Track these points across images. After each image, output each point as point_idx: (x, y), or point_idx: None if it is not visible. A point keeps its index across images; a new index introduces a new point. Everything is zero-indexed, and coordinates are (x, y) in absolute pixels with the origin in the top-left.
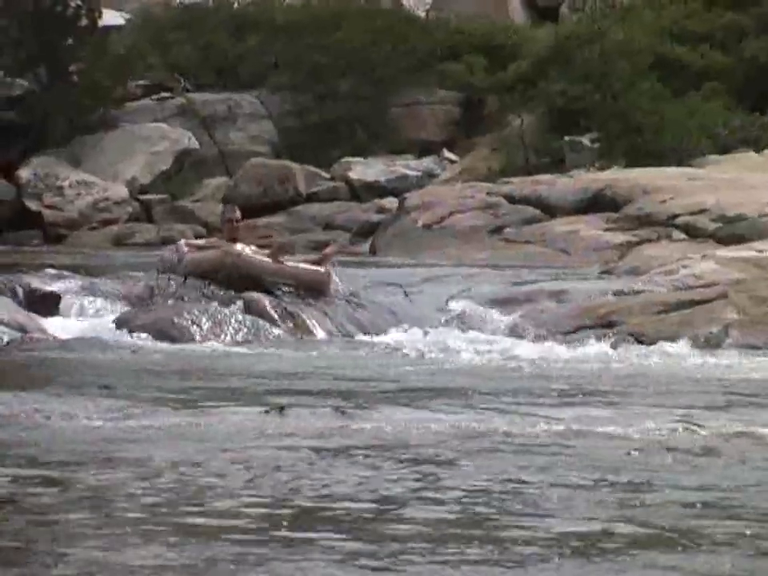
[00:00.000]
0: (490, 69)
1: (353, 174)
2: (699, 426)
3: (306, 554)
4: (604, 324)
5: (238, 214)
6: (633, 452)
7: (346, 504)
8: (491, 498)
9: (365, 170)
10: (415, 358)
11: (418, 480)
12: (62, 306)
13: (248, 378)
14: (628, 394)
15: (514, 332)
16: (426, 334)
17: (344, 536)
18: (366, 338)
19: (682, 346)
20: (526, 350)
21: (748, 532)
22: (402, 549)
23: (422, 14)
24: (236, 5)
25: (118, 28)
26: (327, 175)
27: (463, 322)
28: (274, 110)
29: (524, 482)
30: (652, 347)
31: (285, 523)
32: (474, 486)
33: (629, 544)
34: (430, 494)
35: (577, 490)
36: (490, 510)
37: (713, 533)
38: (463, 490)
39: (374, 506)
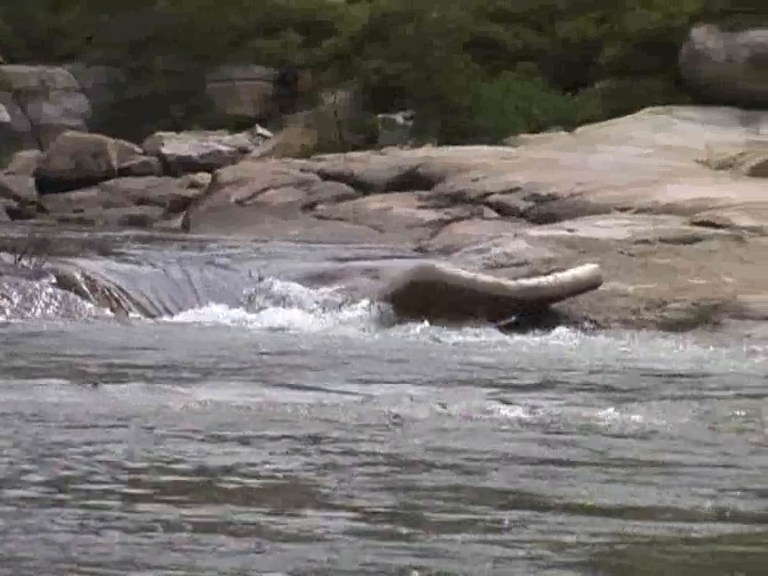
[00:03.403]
0: (305, 45)
1: (165, 149)
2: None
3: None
4: None
5: None
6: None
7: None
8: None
9: (178, 144)
10: (228, 335)
11: (220, 455)
12: None
13: (57, 353)
14: (421, 373)
15: (327, 308)
16: (239, 309)
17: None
18: (181, 314)
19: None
20: (341, 327)
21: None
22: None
23: None
24: None
25: None
26: (140, 150)
27: (276, 298)
28: (88, 85)
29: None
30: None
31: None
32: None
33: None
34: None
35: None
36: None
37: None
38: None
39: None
